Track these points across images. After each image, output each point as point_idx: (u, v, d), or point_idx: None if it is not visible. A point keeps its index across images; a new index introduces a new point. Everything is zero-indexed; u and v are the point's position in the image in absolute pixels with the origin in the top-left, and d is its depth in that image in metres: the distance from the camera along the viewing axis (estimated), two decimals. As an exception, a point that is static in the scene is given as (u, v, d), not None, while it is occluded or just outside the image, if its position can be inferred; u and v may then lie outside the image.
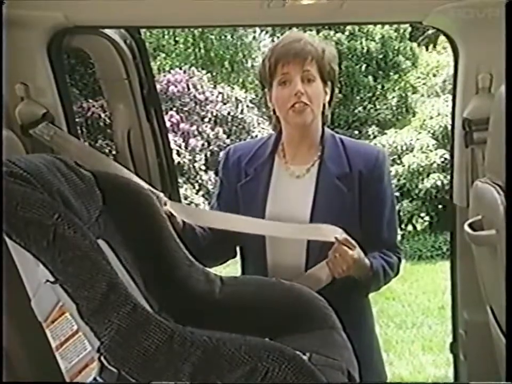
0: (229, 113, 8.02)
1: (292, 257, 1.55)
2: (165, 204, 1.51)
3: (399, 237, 1.74)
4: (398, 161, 7.36)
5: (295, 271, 1.52)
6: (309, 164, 1.58)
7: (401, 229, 7.11)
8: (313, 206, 1.53)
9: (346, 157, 1.55)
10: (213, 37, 9.80)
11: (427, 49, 9.70)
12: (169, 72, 8.34)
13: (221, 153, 1.68)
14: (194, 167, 7.56)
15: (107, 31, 1.78)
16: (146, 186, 1.54)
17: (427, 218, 7.19)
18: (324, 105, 1.56)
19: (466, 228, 1.28)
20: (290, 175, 1.58)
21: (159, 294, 1.39)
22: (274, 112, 1.58)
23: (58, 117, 1.70)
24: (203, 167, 7.66)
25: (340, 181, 1.53)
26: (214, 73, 9.36)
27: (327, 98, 1.57)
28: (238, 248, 1.68)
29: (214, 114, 7.97)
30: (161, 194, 1.56)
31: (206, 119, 7.92)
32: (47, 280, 1.10)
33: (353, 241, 1.46)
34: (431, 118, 7.58)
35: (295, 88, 1.48)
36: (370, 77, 9.53)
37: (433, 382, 3.83)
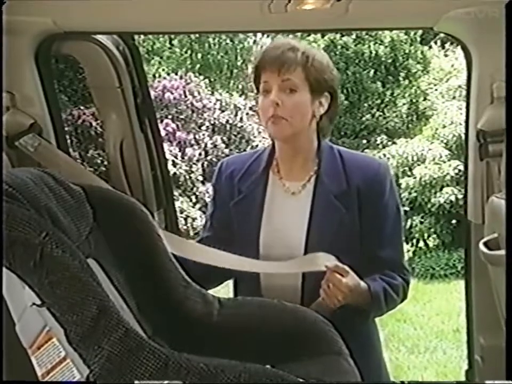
0: (227, 121, 8.05)
1: (287, 279, 1.54)
2: None
3: (406, 256, 1.74)
4: (409, 173, 7.36)
5: (290, 292, 1.52)
6: (304, 179, 1.58)
7: (412, 246, 7.10)
8: (309, 226, 1.53)
9: (344, 171, 1.55)
10: (210, 40, 9.86)
11: (443, 48, 9.71)
12: (164, 78, 8.38)
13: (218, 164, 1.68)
14: (191, 178, 7.57)
15: (99, 36, 1.79)
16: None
17: (440, 234, 7.18)
18: (321, 117, 1.55)
19: (481, 246, 1.29)
20: (286, 192, 1.58)
21: (153, 317, 1.39)
22: None
23: (46, 128, 1.71)
24: (200, 178, 7.67)
25: (337, 199, 1.53)
26: (212, 79, 9.39)
27: (322, 110, 1.55)
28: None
29: (212, 122, 8.00)
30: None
31: (204, 128, 7.94)
32: (33, 303, 1.10)
33: (345, 267, 1.45)
34: (444, 126, 7.59)
35: (272, 98, 1.49)
36: (379, 83, 9.55)
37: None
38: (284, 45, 1.51)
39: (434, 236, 7.20)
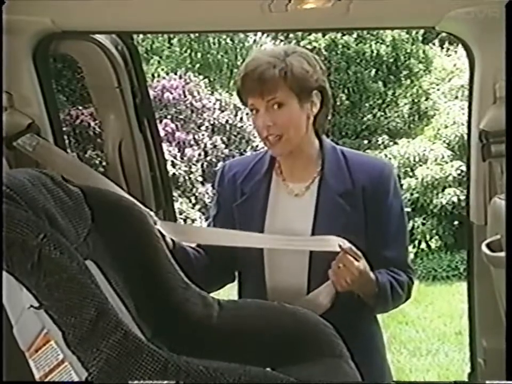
0: (227, 121, 8.06)
1: (293, 280, 1.55)
2: (155, 223, 1.52)
3: (410, 256, 1.74)
4: (411, 174, 7.37)
5: (296, 295, 1.52)
6: (308, 181, 1.58)
7: (414, 247, 7.10)
8: (314, 227, 1.53)
9: (349, 171, 1.55)
10: (210, 39, 9.88)
11: (442, 48, 9.73)
12: (163, 78, 8.39)
13: (218, 165, 1.69)
14: (190, 178, 7.58)
15: (97, 36, 1.80)
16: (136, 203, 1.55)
17: (442, 235, 7.18)
18: (316, 115, 1.53)
19: (483, 248, 1.29)
20: (289, 194, 1.58)
21: (152, 319, 1.39)
22: None
23: (44, 128, 1.71)
24: (200, 179, 7.68)
25: (342, 198, 1.53)
26: (212, 79, 9.42)
27: (315, 109, 1.53)
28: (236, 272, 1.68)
29: (212, 122, 8.01)
30: (152, 213, 1.57)
31: (203, 128, 7.96)
32: (31, 306, 1.10)
33: (359, 252, 1.46)
34: (446, 126, 7.60)
35: (262, 120, 1.49)
36: (380, 83, 9.57)
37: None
38: (260, 66, 1.47)
39: (437, 237, 7.21)
